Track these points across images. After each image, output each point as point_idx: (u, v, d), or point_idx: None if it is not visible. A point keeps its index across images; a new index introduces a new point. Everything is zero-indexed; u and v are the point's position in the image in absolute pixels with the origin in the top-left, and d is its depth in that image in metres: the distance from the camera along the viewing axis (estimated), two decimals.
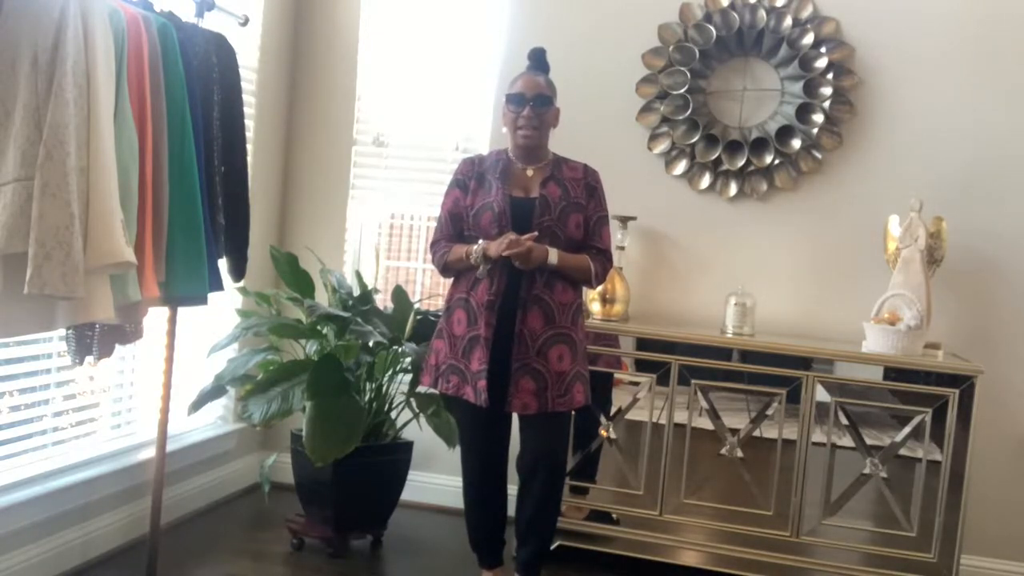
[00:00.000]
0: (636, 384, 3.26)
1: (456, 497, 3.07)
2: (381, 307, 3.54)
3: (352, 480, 3.21)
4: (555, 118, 2.84)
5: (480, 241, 2.68)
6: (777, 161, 3.50)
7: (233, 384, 3.29)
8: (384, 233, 4.16)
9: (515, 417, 2.87)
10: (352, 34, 3.95)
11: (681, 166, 3.61)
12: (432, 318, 3.34)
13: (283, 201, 4.04)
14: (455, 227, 2.81)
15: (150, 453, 3.04)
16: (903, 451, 3.05)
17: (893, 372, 3.05)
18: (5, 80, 2.00)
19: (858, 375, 3.08)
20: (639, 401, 3.25)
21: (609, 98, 3.66)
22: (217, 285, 2.66)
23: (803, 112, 3.45)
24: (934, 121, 3.41)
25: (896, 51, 3.44)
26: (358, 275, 3.67)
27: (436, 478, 3.83)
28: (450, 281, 2.88)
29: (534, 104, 2.74)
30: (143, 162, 2.33)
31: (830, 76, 3.42)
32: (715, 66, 3.60)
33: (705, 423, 3.20)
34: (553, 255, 2.67)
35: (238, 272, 2.91)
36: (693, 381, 3.19)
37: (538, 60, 2.87)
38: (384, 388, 3.39)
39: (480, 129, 3.84)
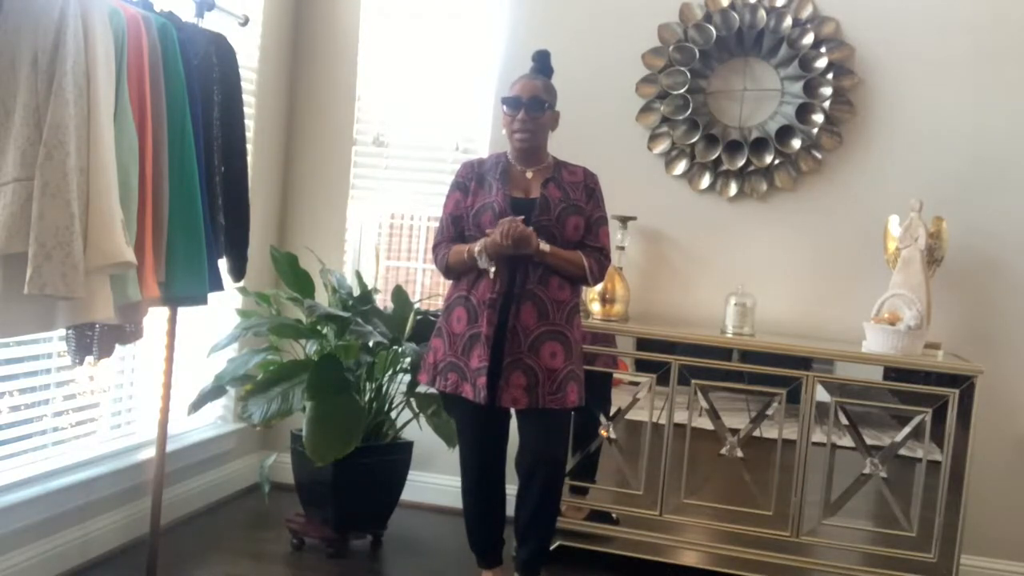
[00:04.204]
0: (636, 384, 3.26)
1: (456, 497, 3.07)
2: (381, 307, 3.55)
3: (352, 480, 3.21)
4: (553, 122, 2.83)
5: (480, 241, 2.68)
6: (777, 161, 3.50)
7: (233, 384, 3.29)
8: (384, 233, 4.16)
9: (514, 417, 2.87)
10: (352, 34, 3.95)
11: (681, 166, 3.61)
12: (432, 318, 3.34)
13: (283, 201, 4.04)
14: (456, 229, 2.82)
15: (150, 453, 3.04)
16: (903, 451, 3.05)
17: (893, 372, 3.05)
18: (5, 80, 2.00)
19: (858, 375, 3.08)
20: (639, 401, 3.24)
21: (609, 98, 3.66)
22: (217, 285, 2.66)
23: (803, 112, 3.45)
24: (934, 121, 3.41)
25: (896, 51, 3.44)
26: (358, 275, 3.67)
27: (436, 478, 3.83)
28: (450, 281, 2.88)
29: (528, 108, 2.74)
30: (143, 162, 2.33)
31: (830, 76, 3.42)
32: (715, 66, 3.60)
33: (705, 423, 3.20)
34: (544, 244, 2.68)
35: (238, 272, 2.91)
36: (693, 381, 3.19)
37: (541, 63, 2.87)
38: (384, 388, 3.39)
39: (480, 130, 3.84)
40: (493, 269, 2.68)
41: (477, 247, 2.68)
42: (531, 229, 2.65)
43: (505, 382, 2.67)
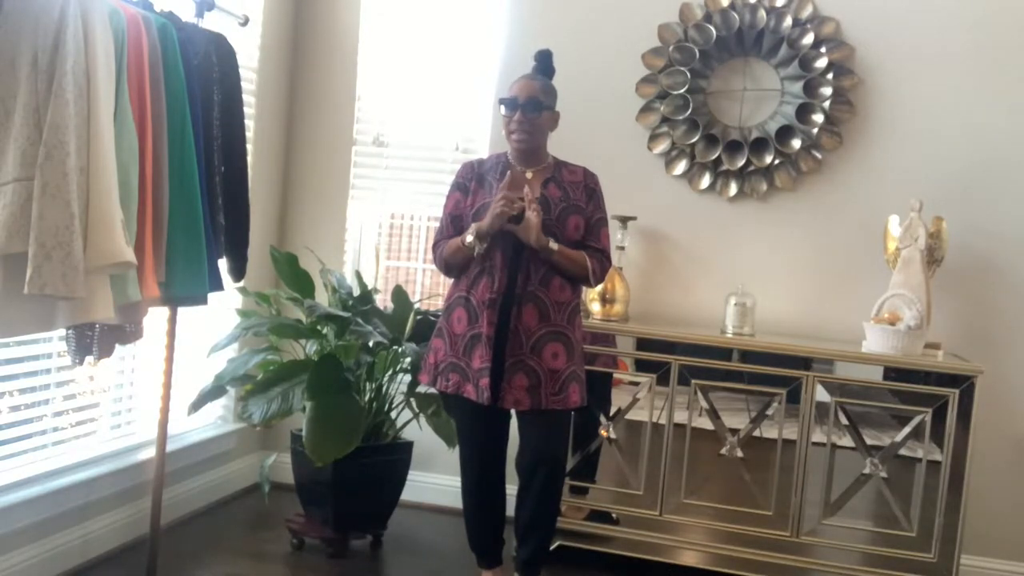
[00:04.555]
0: (636, 384, 3.26)
1: (456, 497, 3.08)
2: (381, 307, 3.55)
3: (352, 480, 3.21)
4: (552, 123, 2.82)
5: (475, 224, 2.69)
6: (777, 161, 3.50)
7: (233, 384, 3.29)
8: (384, 233, 4.16)
9: (514, 416, 2.87)
10: (352, 34, 3.95)
11: (681, 166, 3.61)
12: (432, 318, 3.34)
13: (283, 201, 4.04)
14: (456, 229, 2.81)
15: (150, 453, 3.04)
16: (903, 451, 3.05)
17: (893, 372, 3.05)
18: (5, 80, 2.00)
19: (858, 375, 3.08)
20: (639, 401, 3.24)
21: (609, 98, 3.66)
22: (217, 285, 2.66)
23: (803, 112, 3.45)
24: (934, 121, 3.41)
25: (896, 51, 3.44)
26: (358, 275, 3.67)
27: (436, 478, 3.83)
28: (451, 281, 2.88)
29: (525, 109, 2.73)
30: (143, 162, 2.33)
31: (830, 76, 3.42)
32: (715, 66, 3.60)
33: (705, 423, 3.20)
34: (553, 242, 2.68)
35: (238, 272, 2.91)
36: (693, 381, 3.19)
37: (542, 63, 2.86)
38: (384, 388, 3.39)
39: (480, 130, 3.84)
40: (481, 247, 2.67)
41: (470, 232, 2.68)
42: (528, 205, 2.64)
43: (508, 383, 2.67)
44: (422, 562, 3.29)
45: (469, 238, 2.68)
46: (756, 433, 3.16)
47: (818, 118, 3.43)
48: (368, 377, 3.34)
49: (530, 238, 2.63)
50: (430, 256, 2.90)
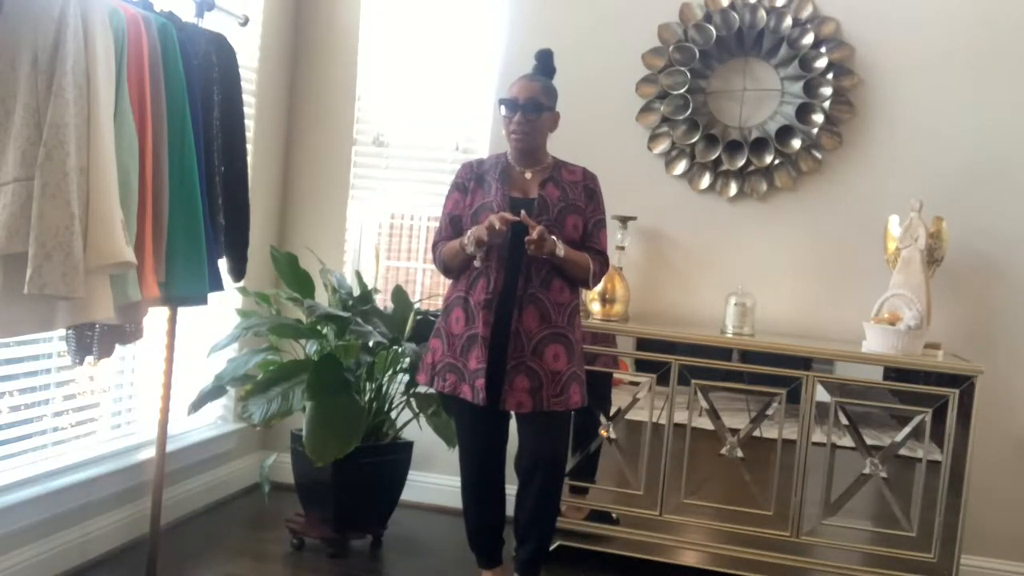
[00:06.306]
0: (636, 384, 3.26)
1: (456, 497, 3.07)
2: (381, 307, 3.55)
3: (352, 480, 3.21)
4: (552, 123, 2.82)
5: (472, 229, 2.68)
6: (777, 161, 3.50)
7: (233, 384, 3.29)
8: (384, 233, 4.16)
9: (514, 416, 2.87)
10: (352, 34, 3.95)
11: (681, 166, 3.61)
12: (432, 318, 3.34)
13: (283, 201, 4.04)
14: (455, 230, 2.82)
15: (150, 453, 3.04)
16: (903, 451, 3.05)
17: (893, 372, 3.05)
18: (5, 80, 2.00)
19: (858, 375, 3.08)
20: (639, 401, 3.24)
21: (609, 98, 3.66)
22: (217, 285, 2.66)
23: (803, 112, 3.45)
24: (934, 121, 3.41)
25: (896, 51, 3.44)
26: (358, 275, 3.67)
27: (436, 478, 3.83)
28: (450, 281, 2.88)
29: (525, 110, 2.73)
30: (143, 162, 2.33)
31: (830, 76, 3.42)
32: (715, 66, 3.60)
33: (705, 423, 3.20)
34: (560, 247, 2.67)
35: (238, 272, 2.91)
36: (693, 381, 3.19)
37: (543, 62, 2.86)
38: (384, 388, 3.39)
39: (480, 130, 3.84)
40: (480, 256, 2.67)
41: (468, 238, 2.68)
42: (540, 227, 2.61)
43: (509, 385, 2.67)
44: (422, 562, 3.29)
45: (470, 248, 2.68)
46: (756, 433, 3.16)
47: (818, 118, 3.43)
48: (368, 377, 3.34)
49: (541, 254, 2.63)
50: (430, 256, 2.91)
